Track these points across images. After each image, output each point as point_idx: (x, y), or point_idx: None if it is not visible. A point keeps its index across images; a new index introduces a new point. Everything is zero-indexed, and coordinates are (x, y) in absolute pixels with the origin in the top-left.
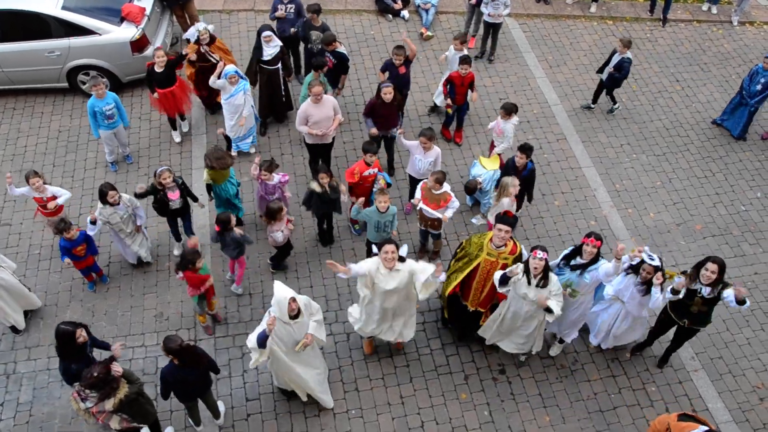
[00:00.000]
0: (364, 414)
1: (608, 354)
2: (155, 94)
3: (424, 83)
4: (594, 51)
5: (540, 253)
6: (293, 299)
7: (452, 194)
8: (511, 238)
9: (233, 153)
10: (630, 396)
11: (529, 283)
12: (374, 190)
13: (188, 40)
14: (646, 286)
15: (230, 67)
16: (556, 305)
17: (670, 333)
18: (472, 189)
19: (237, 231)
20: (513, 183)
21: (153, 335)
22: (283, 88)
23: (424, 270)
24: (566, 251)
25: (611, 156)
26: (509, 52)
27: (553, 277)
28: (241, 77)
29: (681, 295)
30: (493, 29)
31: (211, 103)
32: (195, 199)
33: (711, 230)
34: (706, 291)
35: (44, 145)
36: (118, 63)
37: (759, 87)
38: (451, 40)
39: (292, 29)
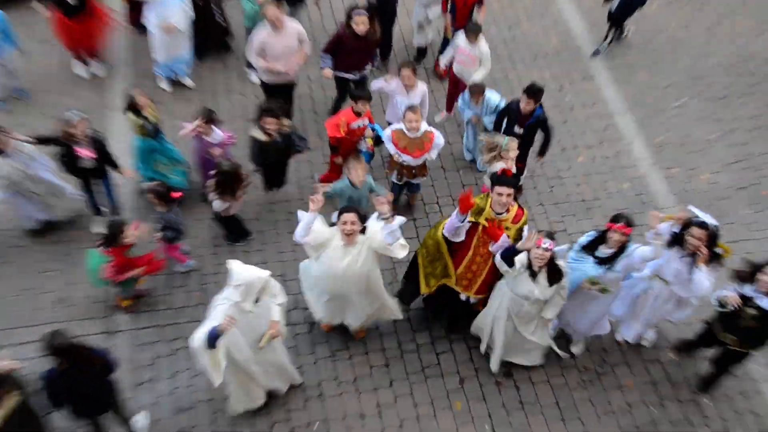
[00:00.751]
0: (330, 427)
1: (647, 353)
2: (46, 12)
3: (413, 3)
4: None
5: (546, 242)
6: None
7: (434, 130)
8: (515, 200)
9: (165, 87)
10: (676, 409)
11: (533, 278)
12: (359, 146)
13: None
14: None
15: None
16: (552, 311)
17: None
18: (479, 90)
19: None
20: (512, 146)
21: (52, 327)
22: (217, 12)
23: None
24: (586, 238)
25: (652, 100)
26: None
27: (563, 269)
28: None
29: (729, 308)
30: None
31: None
32: (114, 165)
33: None
34: (764, 303)
35: None
36: None
37: None
38: None
39: None
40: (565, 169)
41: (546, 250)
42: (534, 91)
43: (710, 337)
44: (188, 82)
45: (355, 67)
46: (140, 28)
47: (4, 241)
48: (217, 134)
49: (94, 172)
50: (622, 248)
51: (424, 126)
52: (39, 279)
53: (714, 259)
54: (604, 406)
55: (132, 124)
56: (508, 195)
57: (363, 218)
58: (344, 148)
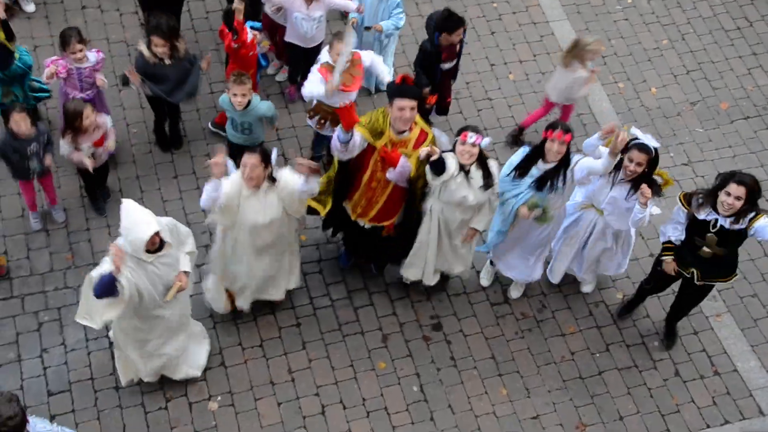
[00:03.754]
0: (235, 401)
1: (591, 296)
2: None
3: None
4: None
5: (472, 136)
6: (157, 233)
7: (360, 51)
8: (417, 122)
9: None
10: (623, 355)
11: (468, 180)
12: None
13: None
14: (635, 185)
15: None
16: (482, 221)
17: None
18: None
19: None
20: (596, 46)
21: None
22: None
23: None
24: (518, 156)
25: (595, 2)
26: None
27: (494, 168)
28: None
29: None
30: None
31: None
32: None
33: (744, 110)
34: (724, 222)
35: None
36: None
37: None
38: None
39: None
40: (494, 90)
41: (474, 144)
42: (455, 22)
43: (664, 278)
44: (30, 7)
45: None
46: None
47: None
48: (93, 57)
49: None
50: (562, 162)
51: (349, 45)
52: None
53: (653, 188)
54: (544, 356)
55: None
56: (412, 109)
57: (267, 158)
58: (238, 62)
